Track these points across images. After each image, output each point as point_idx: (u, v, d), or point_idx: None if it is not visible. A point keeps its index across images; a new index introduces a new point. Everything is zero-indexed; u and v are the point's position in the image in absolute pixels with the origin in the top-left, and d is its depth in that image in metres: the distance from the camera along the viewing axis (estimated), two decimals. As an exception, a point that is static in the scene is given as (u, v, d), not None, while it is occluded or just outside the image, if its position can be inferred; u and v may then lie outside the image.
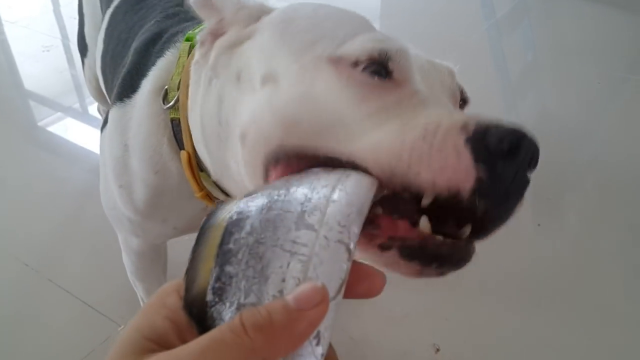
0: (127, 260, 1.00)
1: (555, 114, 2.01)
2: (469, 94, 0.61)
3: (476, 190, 0.42)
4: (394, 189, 0.44)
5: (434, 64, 0.57)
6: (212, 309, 0.35)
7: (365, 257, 0.45)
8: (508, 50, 2.46)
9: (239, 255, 0.36)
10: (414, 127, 0.45)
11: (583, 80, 2.19)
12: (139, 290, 1.06)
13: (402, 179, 0.44)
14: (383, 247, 0.44)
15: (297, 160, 0.49)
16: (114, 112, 0.78)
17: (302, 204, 0.38)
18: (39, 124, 1.97)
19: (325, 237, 0.36)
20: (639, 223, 1.51)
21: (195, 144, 0.69)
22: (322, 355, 0.34)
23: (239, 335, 0.33)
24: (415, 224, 0.45)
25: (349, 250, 0.36)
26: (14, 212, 1.55)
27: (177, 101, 0.70)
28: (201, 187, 0.73)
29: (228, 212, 0.39)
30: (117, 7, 1.07)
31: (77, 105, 2.05)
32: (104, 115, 0.86)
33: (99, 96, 1.45)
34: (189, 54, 0.71)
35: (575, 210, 1.59)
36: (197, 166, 0.71)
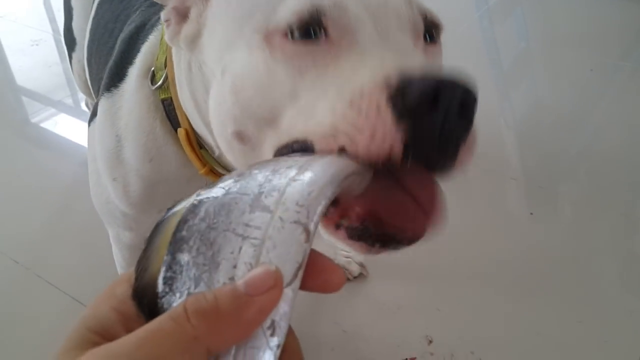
0: (118, 255, 0.98)
1: (549, 103, 2.01)
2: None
3: (406, 152, 0.41)
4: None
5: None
6: (163, 299, 0.33)
7: (324, 234, 0.45)
8: (500, 39, 2.44)
9: (191, 242, 0.34)
10: (341, 94, 0.44)
11: (576, 69, 2.19)
12: None
13: (340, 144, 0.42)
14: (336, 226, 0.44)
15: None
16: (102, 103, 0.76)
17: (260, 185, 0.35)
18: (30, 118, 1.95)
19: (281, 219, 0.33)
20: (631, 211, 1.50)
21: (192, 121, 0.67)
22: (278, 346, 0.31)
23: (180, 323, 0.30)
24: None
25: (307, 232, 0.33)
26: (3, 207, 1.53)
27: (165, 80, 0.68)
28: (204, 163, 0.71)
29: (190, 200, 0.37)
30: None
31: (67, 100, 2.03)
32: (92, 109, 0.84)
33: (87, 90, 1.43)
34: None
35: (568, 199, 1.58)
36: (196, 142, 0.70)
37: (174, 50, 0.67)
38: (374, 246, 0.44)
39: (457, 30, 2.39)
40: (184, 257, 0.34)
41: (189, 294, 0.32)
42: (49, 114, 1.97)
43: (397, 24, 0.49)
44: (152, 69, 0.71)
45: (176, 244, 0.34)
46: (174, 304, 0.32)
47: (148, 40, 0.74)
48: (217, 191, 0.36)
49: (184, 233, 0.34)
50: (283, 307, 0.32)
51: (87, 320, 0.34)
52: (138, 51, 0.74)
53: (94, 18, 1.07)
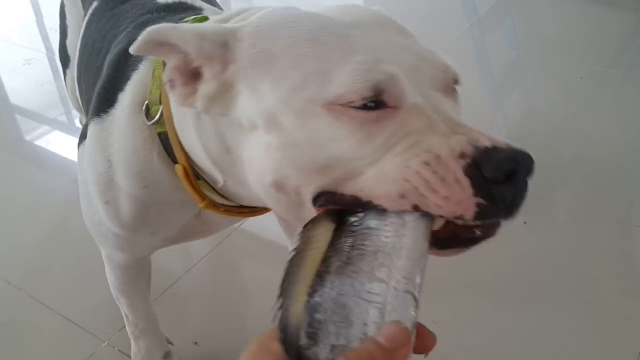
0: (111, 275, 0.98)
1: (541, 111, 2.01)
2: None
3: (478, 215, 0.48)
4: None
5: (423, 59, 0.56)
6: (309, 351, 0.42)
7: None
8: (491, 49, 2.46)
9: (326, 305, 0.44)
10: (416, 155, 0.49)
11: (567, 77, 2.19)
12: (123, 306, 1.04)
13: (413, 203, 0.48)
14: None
15: (332, 199, 0.53)
16: (92, 128, 0.76)
17: (371, 262, 0.45)
18: (23, 137, 1.95)
19: (395, 288, 0.43)
20: (626, 218, 1.51)
21: (196, 159, 0.69)
22: None
23: None
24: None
25: (415, 299, 0.43)
26: (-4, 228, 1.53)
27: (160, 116, 0.69)
28: (203, 197, 0.72)
29: (311, 272, 0.46)
30: (93, 15, 1.05)
31: (61, 118, 2.03)
32: (81, 131, 0.84)
33: (81, 107, 1.43)
34: (164, 66, 0.69)
35: (562, 206, 1.58)
36: (195, 178, 0.71)
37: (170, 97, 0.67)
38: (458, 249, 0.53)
39: (448, 40, 2.40)
40: (322, 317, 0.43)
41: (332, 345, 0.42)
42: (42, 132, 1.97)
43: (433, 85, 0.55)
44: (147, 102, 0.71)
45: (313, 308, 0.44)
46: (320, 354, 0.42)
47: (139, 69, 0.73)
48: (336, 265, 0.46)
49: (317, 299, 0.44)
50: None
51: None
52: (128, 79, 0.74)
53: (83, 37, 1.07)
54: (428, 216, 0.49)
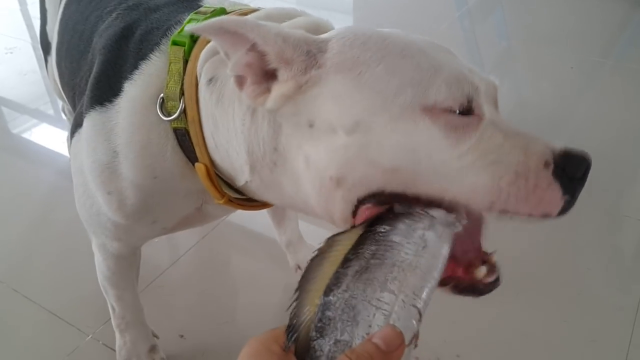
0: (102, 266, 0.96)
1: (531, 101, 2.01)
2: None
3: (562, 210, 0.56)
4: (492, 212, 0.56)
5: (482, 79, 0.61)
6: (314, 342, 0.48)
7: None
8: (481, 39, 2.45)
9: (337, 304, 0.48)
10: (507, 167, 0.55)
11: (557, 67, 2.19)
12: (110, 298, 1.02)
13: (500, 209, 0.55)
14: (441, 283, 0.55)
15: (391, 200, 0.57)
16: (93, 117, 0.74)
17: (385, 274, 0.50)
18: (6, 127, 1.91)
19: (403, 301, 0.48)
20: (615, 209, 1.50)
21: (218, 157, 0.70)
22: None
23: None
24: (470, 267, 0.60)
25: (419, 313, 0.48)
26: (-22, 220, 1.50)
27: (180, 113, 0.68)
28: (222, 194, 0.73)
29: (328, 272, 0.51)
30: None
31: (44, 108, 2.00)
32: (73, 119, 0.82)
33: (63, 96, 1.40)
34: (184, 61, 0.69)
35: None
36: (216, 176, 0.72)
37: (205, 95, 0.67)
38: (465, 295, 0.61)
39: (438, 30, 2.39)
40: (332, 314, 0.48)
41: (335, 339, 0.47)
42: (25, 122, 1.94)
43: (490, 100, 0.61)
44: (161, 95, 0.70)
45: (325, 305, 0.49)
46: (323, 346, 0.47)
47: (149, 59, 0.72)
48: (354, 269, 0.50)
49: (331, 298, 0.49)
50: None
51: None
52: (135, 67, 0.72)
53: (61, 20, 1.04)
54: (448, 244, 0.53)
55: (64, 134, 1.83)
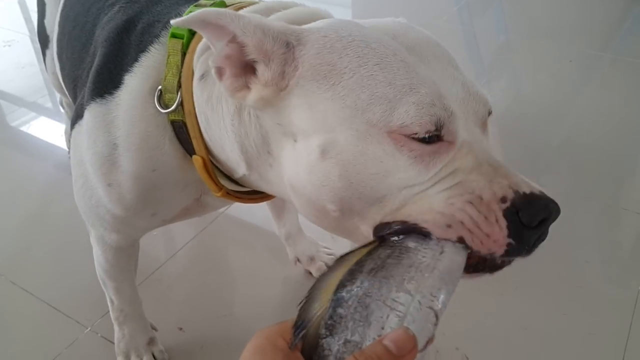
0: (100, 258, 0.96)
1: (529, 95, 2.01)
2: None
3: (506, 252, 0.53)
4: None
5: (470, 93, 0.58)
6: (323, 340, 0.45)
7: None
8: (480, 32, 2.44)
9: (350, 302, 0.46)
10: (460, 194, 0.53)
11: (556, 60, 2.19)
12: (109, 290, 1.02)
13: (458, 235, 0.53)
14: None
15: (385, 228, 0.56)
16: (93, 109, 0.74)
17: (402, 273, 0.48)
18: (4, 120, 1.90)
19: (419, 302, 0.46)
20: (613, 202, 1.50)
21: (216, 150, 0.69)
22: None
23: None
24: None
25: (436, 316, 0.46)
26: (-25, 213, 1.50)
27: (177, 105, 0.68)
28: (220, 187, 0.73)
29: (342, 270, 0.49)
30: None
31: (42, 101, 1.99)
32: (73, 110, 0.82)
33: (61, 87, 1.39)
34: (182, 54, 0.69)
35: (550, 190, 1.57)
36: (213, 168, 0.71)
37: (197, 91, 0.67)
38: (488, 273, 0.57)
39: (436, 23, 2.39)
40: (343, 311, 0.46)
41: (345, 339, 0.45)
42: (22, 115, 1.93)
43: (474, 118, 0.58)
44: (159, 87, 0.70)
45: (337, 301, 0.46)
46: (332, 345, 0.45)
47: (149, 51, 0.72)
48: (367, 267, 0.49)
49: (344, 294, 0.47)
50: None
51: None
52: (135, 60, 0.72)
53: (62, 10, 1.03)
54: (464, 251, 0.52)
55: (62, 127, 1.82)
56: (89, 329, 1.16)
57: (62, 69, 1.04)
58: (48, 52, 1.31)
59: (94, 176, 0.77)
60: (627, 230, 1.44)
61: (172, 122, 0.70)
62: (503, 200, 0.53)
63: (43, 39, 1.31)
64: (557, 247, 1.35)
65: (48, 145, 1.76)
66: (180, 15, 0.73)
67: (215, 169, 0.72)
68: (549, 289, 1.25)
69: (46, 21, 1.26)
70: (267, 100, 0.59)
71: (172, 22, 0.58)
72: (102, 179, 0.76)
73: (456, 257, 0.52)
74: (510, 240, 0.52)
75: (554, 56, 2.22)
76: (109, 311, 1.06)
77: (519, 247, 0.53)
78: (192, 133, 0.69)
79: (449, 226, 0.53)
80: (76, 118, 0.79)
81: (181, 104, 0.69)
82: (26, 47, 2.36)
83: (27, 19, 2.58)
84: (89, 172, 0.77)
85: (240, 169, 0.69)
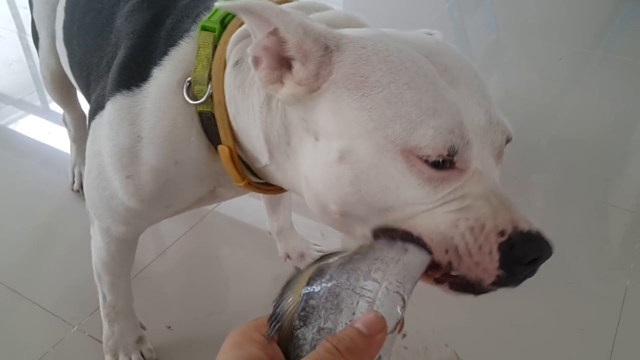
0: (102, 251, 0.94)
1: (519, 93, 2.01)
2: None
3: (494, 282, 0.56)
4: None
5: (491, 122, 0.59)
6: (298, 330, 0.48)
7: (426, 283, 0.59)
8: (470, 30, 2.44)
9: (320, 293, 0.49)
10: (466, 219, 0.55)
11: (546, 58, 2.20)
12: (104, 285, 1.01)
13: (448, 260, 0.56)
14: (437, 281, 0.59)
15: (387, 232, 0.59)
16: (119, 100, 0.74)
17: (369, 265, 0.50)
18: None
19: (386, 288, 0.48)
20: (603, 199, 1.51)
21: (242, 139, 0.71)
22: None
23: (336, 356, 0.44)
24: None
25: (403, 300, 0.49)
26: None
27: (208, 97, 0.70)
28: (243, 177, 0.74)
29: (313, 268, 0.52)
30: None
31: (28, 98, 1.97)
32: (93, 101, 0.81)
33: (56, 88, 1.35)
34: (213, 46, 0.70)
35: (541, 187, 1.58)
36: (238, 159, 0.72)
37: (229, 77, 0.68)
38: (458, 292, 0.60)
39: (427, 20, 2.38)
40: (315, 302, 0.49)
41: (319, 327, 0.48)
42: (9, 112, 1.91)
43: (490, 148, 0.59)
44: (188, 79, 0.71)
45: (309, 294, 0.49)
46: (307, 334, 0.48)
47: (179, 45, 0.73)
48: (337, 262, 0.51)
49: (314, 287, 0.49)
50: (387, 347, 0.47)
51: (247, 357, 0.45)
52: (165, 53, 0.73)
53: None
54: (428, 254, 0.55)
55: (49, 124, 1.81)
56: (75, 327, 1.15)
57: (70, 55, 1.01)
58: (40, 47, 1.28)
59: (112, 167, 0.77)
60: (616, 227, 1.45)
61: (200, 114, 0.71)
62: (502, 233, 0.55)
63: (34, 34, 1.28)
64: (547, 244, 1.36)
65: (35, 143, 1.74)
66: (209, 9, 0.74)
67: (239, 161, 0.73)
68: (539, 285, 1.24)
69: (35, 13, 1.24)
70: (298, 97, 0.60)
71: (217, 4, 0.62)
72: (122, 170, 0.76)
73: (419, 255, 0.55)
74: (500, 272, 0.55)
75: (545, 54, 2.22)
76: (96, 310, 1.05)
77: (508, 279, 0.56)
78: (220, 123, 0.70)
79: (446, 251, 0.56)
80: (96, 109, 0.78)
81: (210, 95, 0.70)
82: (14, 43, 2.34)
83: (15, 15, 2.55)
84: (106, 163, 0.77)
85: (262, 158, 0.70)
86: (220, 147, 0.71)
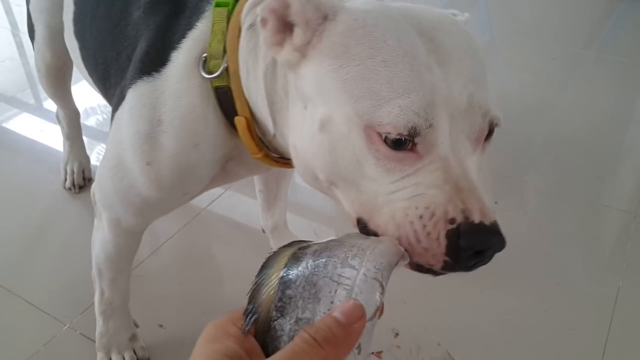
0: (109, 244, 0.93)
1: (513, 93, 2.01)
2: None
3: (443, 267, 0.56)
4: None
5: (472, 105, 0.58)
6: (275, 322, 0.47)
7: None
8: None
9: (297, 282, 0.48)
10: (416, 207, 0.56)
11: (540, 58, 2.20)
12: (104, 281, 1.00)
13: (405, 247, 0.56)
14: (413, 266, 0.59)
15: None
16: (140, 87, 0.74)
17: (345, 252, 0.50)
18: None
19: (365, 275, 0.48)
20: (595, 199, 1.51)
21: (255, 110, 0.71)
22: None
23: (315, 346, 0.43)
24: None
25: (382, 286, 0.48)
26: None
27: (223, 70, 0.70)
28: (260, 148, 0.74)
29: (287, 254, 0.51)
30: None
31: (20, 96, 1.96)
32: (116, 96, 0.81)
33: (50, 82, 1.34)
34: (227, 19, 0.71)
35: (533, 187, 1.59)
36: (254, 129, 0.73)
37: (243, 41, 0.69)
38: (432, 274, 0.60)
39: (422, 20, 2.38)
40: (292, 292, 0.47)
41: (297, 317, 0.46)
42: (2, 110, 1.90)
43: (469, 134, 0.58)
44: (204, 55, 0.71)
45: (285, 284, 0.48)
46: (284, 325, 0.46)
47: (196, 27, 0.73)
48: (313, 249, 0.51)
49: (290, 276, 0.48)
50: (366, 334, 0.46)
51: (223, 350, 0.44)
52: (182, 36, 0.74)
53: None
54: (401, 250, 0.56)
55: (42, 122, 1.80)
56: (67, 325, 1.14)
57: (83, 48, 1.01)
58: (35, 40, 1.27)
59: (132, 155, 0.76)
60: (609, 227, 1.45)
61: (216, 89, 0.72)
62: (451, 221, 0.55)
63: (29, 27, 1.27)
64: (539, 244, 1.36)
65: (28, 141, 1.73)
66: None
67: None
68: (531, 284, 1.26)
69: (31, 6, 1.22)
70: (292, 63, 0.62)
71: None
72: (143, 157, 0.76)
73: (392, 246, 0.54)
74: (447, 258, 0.55)
75: (538, 54, 2.23)
76: (88, 308, 1.04)
77: (456, 265, 0.56)
78: (236, 93, 0.71)
79: (399, 239, 0.56)
80: (119, 100, 0.78)
81: (226, 69, 0.70)
82: (6, 40, 2.33)
83: (8, 12, 2.54)
84: (127, 151, 0.77)
85: (270, 127, 0.70)
86: (237, 118, 0.72)
